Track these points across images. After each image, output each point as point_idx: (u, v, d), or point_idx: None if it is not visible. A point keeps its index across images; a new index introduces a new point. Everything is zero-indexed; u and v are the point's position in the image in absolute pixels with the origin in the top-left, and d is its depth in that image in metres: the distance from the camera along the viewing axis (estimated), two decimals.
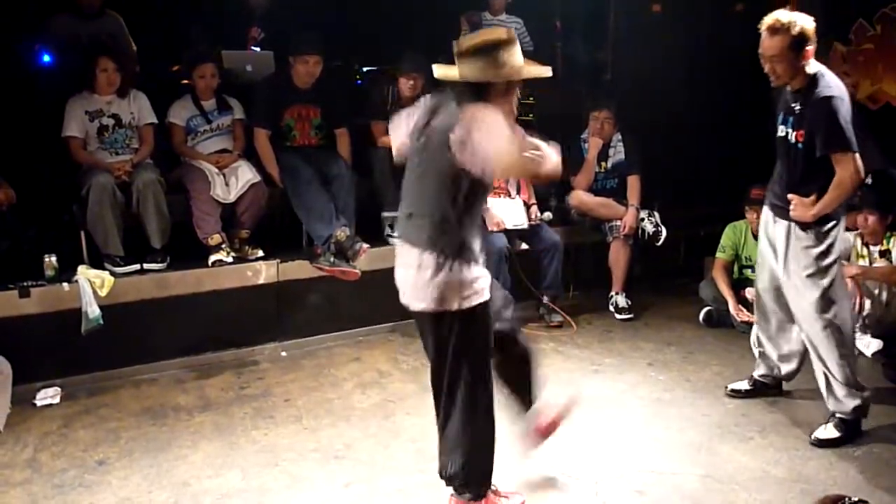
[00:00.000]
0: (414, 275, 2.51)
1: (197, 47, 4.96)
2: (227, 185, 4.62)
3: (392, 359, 4.47)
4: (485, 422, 2.63)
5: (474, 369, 2.58)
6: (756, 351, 3.83)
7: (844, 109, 3.12)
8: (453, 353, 2.56)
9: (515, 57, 2.49)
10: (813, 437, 3.37)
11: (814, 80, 3.17)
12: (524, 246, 5.20)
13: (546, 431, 2.93)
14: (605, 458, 3.25)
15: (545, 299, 5.08)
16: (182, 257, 4.52)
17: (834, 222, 3.30)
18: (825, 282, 3.31)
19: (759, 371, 3.84)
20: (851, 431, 3.39)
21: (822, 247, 3.30)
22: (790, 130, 3.28)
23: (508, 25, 5.97)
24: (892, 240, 4.54)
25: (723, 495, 2.95)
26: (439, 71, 2.56)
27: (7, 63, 4.88)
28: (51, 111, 4.48)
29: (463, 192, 2.44)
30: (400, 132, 2.73)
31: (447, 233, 2.46)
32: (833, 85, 3.16)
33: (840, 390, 3.38)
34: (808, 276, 3.31)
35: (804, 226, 3.30)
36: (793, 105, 3.27)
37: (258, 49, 5.71)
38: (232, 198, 4.61)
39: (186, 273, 4.43)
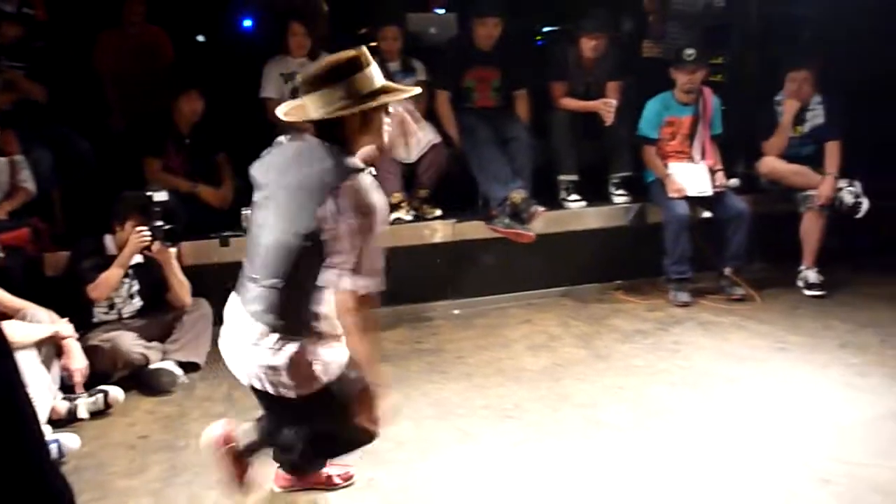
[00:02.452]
0: (248, 350, 2.17)
1: (382, 10, 5.09)
2: (408, 145, 4.75)
3: (563, 323, 4.45)
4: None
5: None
6: None
7: None
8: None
9: (369, 81, 2.13)
10: None
11: None
12: (707, 214, 4.96)
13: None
14: (788, 443, 3.07)
15: (727, 271, 4.84)
16: None
17: None
18: None
19: None
20: None
21: None
22: None
23: None
24: None
25: None
26: (286, 113, 2.16)
27: (213, 28, 5.26)
28: (249, 73, 4.79)
29: (318, 256, 2.07)
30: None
31: (293, 306, 2.10)
32: None
33: None
34: None
35: None
36: None
37: (442, 11, 5.77)
38: (413, 158, 4.73)
39: None
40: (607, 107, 4.92)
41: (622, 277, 5.10)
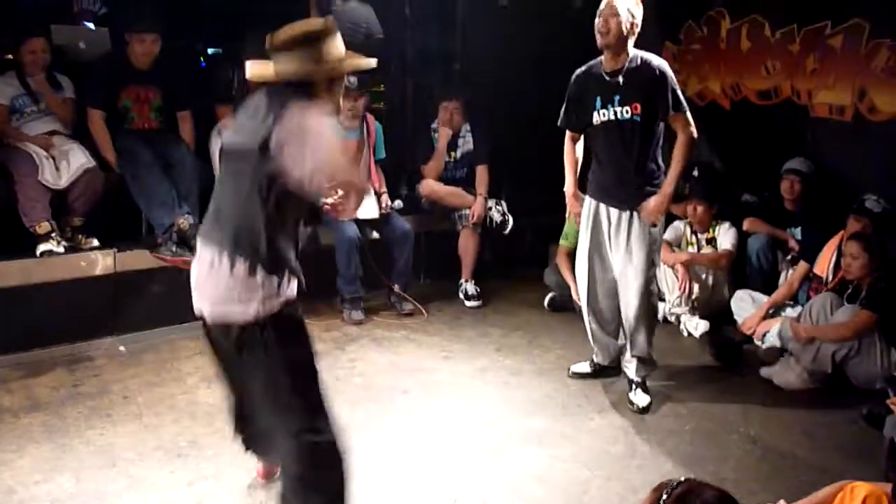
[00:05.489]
0: (208, 275, 2.30)
1: (24, 20, 4.57)
2: (57, 169, 4.30)
3: None
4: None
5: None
6: (592, 340, 3.99)
7: (674, 77, 3.49)
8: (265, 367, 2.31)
9: (336, 48, 2.33)
10: (636, 406, 3.66)
11: (636, 56, 3.47)
12: (375, 235, 5.19)
13: None
14: (454, 441, 3.32)
15: (396, 288, 5.10)
16: (8, 247, 4.18)
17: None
18: (656, 257, 3.67)
19: (598, 357, 4.03)
20: (649, 392, 3.75)
21: (659, 225, 3.62)
22: (618, 109, 3.48)
23: (357, 12, 5.91)
24: (717, 228, 4.92)
25: (567, 473, 3.09)
26: (253, 70, 2.34)
27: None
28: None
29: (274, 199, 2.21)
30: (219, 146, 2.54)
31: (252, 238, 2.22)
32: (656, 57, 3.52)
33: (647, 357, 3.74)
34: (647, 253, 3.56)
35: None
36: (613, 82, 3.48)
37: (91, 25, 5.34)
38: (63, 183, 4.28)
39: (12, 264, 4.11)
40: None
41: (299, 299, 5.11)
